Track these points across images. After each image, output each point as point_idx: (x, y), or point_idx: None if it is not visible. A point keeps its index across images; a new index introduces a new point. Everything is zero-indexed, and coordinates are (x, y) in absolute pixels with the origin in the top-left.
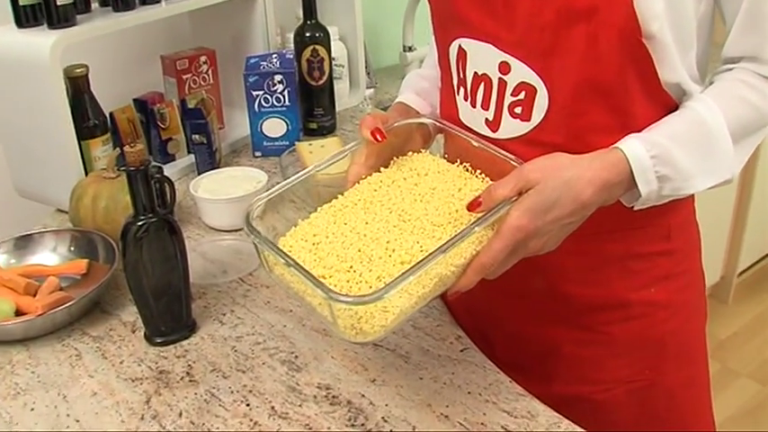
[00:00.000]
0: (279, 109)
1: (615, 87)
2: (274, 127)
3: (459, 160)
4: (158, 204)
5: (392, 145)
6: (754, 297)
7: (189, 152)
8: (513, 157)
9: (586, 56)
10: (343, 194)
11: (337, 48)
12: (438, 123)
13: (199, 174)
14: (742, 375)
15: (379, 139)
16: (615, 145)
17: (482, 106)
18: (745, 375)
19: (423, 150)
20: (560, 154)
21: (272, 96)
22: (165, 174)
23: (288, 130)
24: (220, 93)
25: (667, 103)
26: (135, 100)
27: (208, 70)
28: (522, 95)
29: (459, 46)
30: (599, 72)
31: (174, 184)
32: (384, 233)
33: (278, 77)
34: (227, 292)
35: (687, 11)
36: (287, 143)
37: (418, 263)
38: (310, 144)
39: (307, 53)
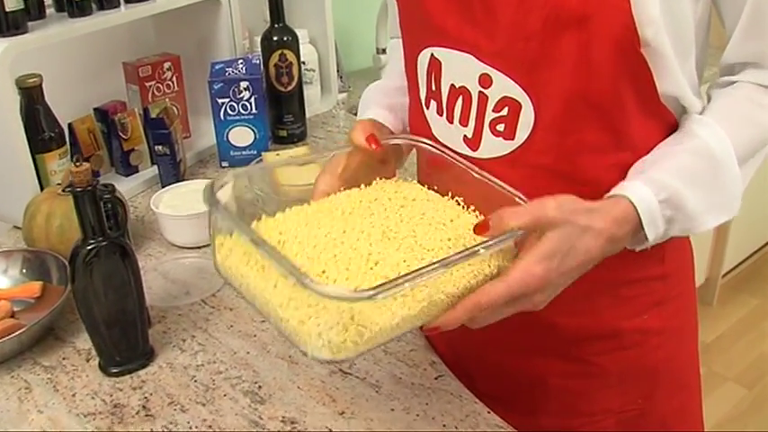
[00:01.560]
0: (246, 117)
1: (609, 102)
2: (241, 136)
3: (450, 193)
4: (109, 226)
5: (366, 163)
6: (739, 298)
7: (153, 163)
8: (520, 194)
9: (577, 68)
10: (309, 203)
11: (307, 51)
12: (436, 149)
13: (163, 186)
14: (728, 379)
15: (374, 146)
16: (622, 191)
17: (460, 122)
18: (732, 379)
19: (408, 178)
20: (574, 197)
21: (238, 104)
22: (128, 186)
23: (255, 138)
24: (186, 100)
25: (666, 119)
26: (96, 109)
27: (172, 77)
28: (504, 111)
29: (432, 55)
30: (591, 85)
31: (126, 204)
32: (365, 245)
33: (244, 84)
34: (188, 315)
35: (685, 14)
36: (255, 152)
37: (416, 270)
38: (278, 154)
39: (275, 58)
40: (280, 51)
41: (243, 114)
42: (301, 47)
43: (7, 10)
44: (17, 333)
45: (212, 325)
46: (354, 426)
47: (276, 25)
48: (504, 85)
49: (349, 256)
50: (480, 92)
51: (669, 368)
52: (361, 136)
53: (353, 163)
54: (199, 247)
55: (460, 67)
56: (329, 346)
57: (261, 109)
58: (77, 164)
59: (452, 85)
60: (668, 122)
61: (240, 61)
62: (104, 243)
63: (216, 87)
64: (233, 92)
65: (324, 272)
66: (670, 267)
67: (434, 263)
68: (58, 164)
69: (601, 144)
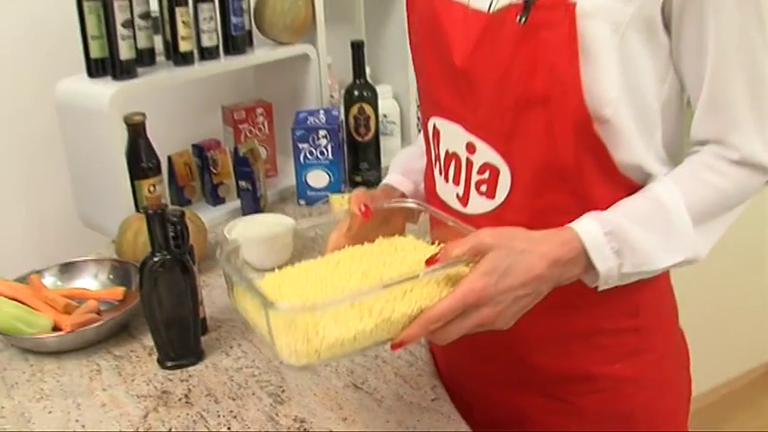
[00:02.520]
0: (322, 162)
1: (572, 171)
2: (318, 178)
3: (437, 240)
4: (176, 245)
5: (374, 222)
6: None
7: (238, 196)
8: (470, 228)
9: (544, 140)
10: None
11: (390, 105)
12: (419, 207)
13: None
14: None
15: (366, 214)
16: (570, 224)
17: (453, 182)
18: None
19: (405, 232)
20: (518, 228)
21: (316, 150)
22: (214, 215)
23: (330, 181)
24: (275, 143)
25: (628, 185)
26: (194, 145)
27: (264, 121)
28: (486, 175)
29: (434, 125)
30: (556, 156)
31: (188, 227)
32: (344, 282)
33: (322, 132)
34: (239, 327)
35: (646, 95)
36: (327, 193)
37: (352, 291)
38: (342, 196)
39: (354, 110)
40: (359, 105)
41: (320, 159)
42: (385, 101)
43: (122, 59)
44: (96, 324)
45: (256, 337)
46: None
47: (358, 81)
48: (485, 153)
49: (327, 290)
50: (467, 157)
51: (649, 417)
52: (354, 205)
53: (355, 225)
54: (261, 270)
55: (452, 135)
56: (296, 355)
57: (336, 155)
58: (151, 191)
59: (447, 150)
60: (631, 187)
61: (322, 111)
62: (168, 257)
63: (297, 134)
64: (312, 139)
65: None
66: (645, 321)
67: (374, 286)
68: (154, 190)
69: (568, 206)
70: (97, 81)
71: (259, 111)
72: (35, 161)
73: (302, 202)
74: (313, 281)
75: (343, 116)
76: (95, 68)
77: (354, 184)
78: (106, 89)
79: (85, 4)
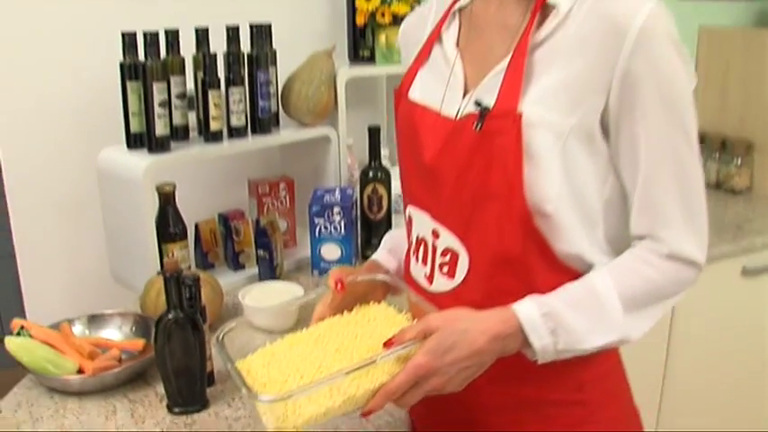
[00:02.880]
0: (336, 236)
1: (519, 258)
2: (331, 251)
3: (404, 310)
4: (190, 305)
5: (355, 293)
6: None
7: (256, 263)
8: (435, 309)
9: (495, 231)
10: (307, 327)
11: None
12: (389, 281)
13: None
14: None
15: (340, 289)
16: (511, 305)
17: (422, 263)
18: None
19: (383, 301)
20: (463, 308)
21: (330, 225)
22: (234, 279)
23: (342, 255)
24: (295, 216)
25: (570, 272)
26: (220, 214)
27: (286, 196)
28: (448, 258)
29: (409, 212)
30: (505, 245)
31: (201, 290)
32: (322, 358)
33: (336, 209)
34: None
35: (587, 194)
36: (344, 266)
37: (321, 379)
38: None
39: (368, 190)
40: (373, 185)
41: (333, 234)
42: (398, 181)
43: (157, 135)
44: (115, 370)
45: None
46: None
47: (373, 163)
48: (447, 238)
49: (307, 367)
50: (433, 242)
51: None
52: (331, 281)
53: (336, 298)
54: (270, 332)
55: (421, 222)
56: (278, 427)
57: (349, 231)
58: (170, 256)
59: (418, 234)
60: (573, 274)
61: (338, 190)
62: (181, 316)
63: (314, 210)
64: (327, 215)
65: (286, 381)
66: (590, 395)
67: (335, 372)
68: (179, 253)
69: (516, 289)
70: (134, 153)
71: (282, 186)
72: (76, 221)
73: (315, 272)
74: (295, 358)
75: (358, 195)
76: (134, 141)
77: (365, 259)
78: (142, 161)
79: (129, 84)
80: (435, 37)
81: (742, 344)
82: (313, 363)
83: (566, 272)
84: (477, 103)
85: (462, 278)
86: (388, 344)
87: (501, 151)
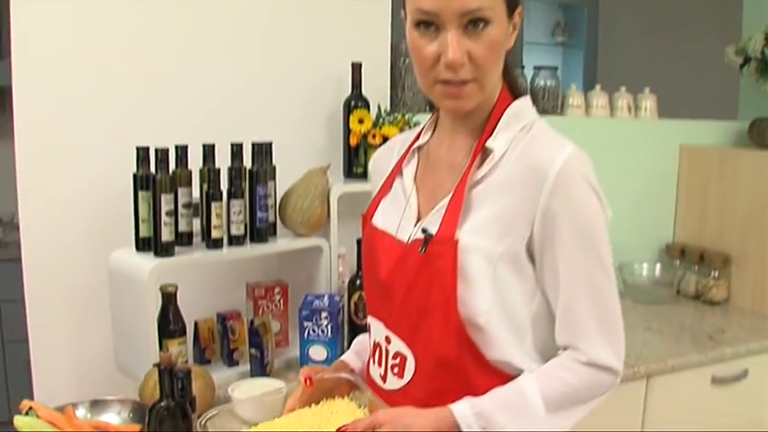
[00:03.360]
0: (322, 339)
1: (456, 363)
2: (318, 352)
3: (364, 406)
4: (181, 395)
5: (323, 388)
6: None
7: (249, 361)
8: (386, 405)
9: (436, 339)
10: (279, 417)
11: None
12: (351, 379)
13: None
14: None
15: (308, 384)
16: (450, 405)
17: (377, 364)
18: None
19: (347, 396)
20: (409, 407)
21: (318, 328)
22: (227, 374)
23: (328, 356)
24: (288, 318)
25: (502, 375)
26: (218, 314)
27: (280, 299)
28: (398, 360)
29: (369, 321)
30: (444, 351)
31: (191, 382)
32: None
33: (324, 314)
34: None
35: (516, 310)
36: (326, 366)
37: None
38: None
39: (355, 297)
40: (359, 293)
41: (320, 336)
42: None
43: (163, 240)
44: None
45: None
46: None
47: (360, 272)
48: (397, 344)
49: None
50: (385, 346)
51: None
52: (302, 377)
53: (305, 392)
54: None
55: (377, 330)
56: None
57: (335, 334)
58: (162, 352)
59: (375, 340)
60: (506, 378)
61: (326, 296)
62: (172, 404)
63: (303, 314)
64: (315, 318)
65: None
66: None
67: None
68: (177, 349)
69: (455, 389)
70: (142, 255)
71: (277, 290)
72: (86, 313)
73: None
74: None
75: (346, 300)
76: (142, 245)
77: None
78: (148, 263)
79: (140, 194)
80: (397, 171)
81: None
82: None
83: (499, 375)
84: (424, 231)
85: (410, 378)
86: (340, 430)
87: (440, 271)
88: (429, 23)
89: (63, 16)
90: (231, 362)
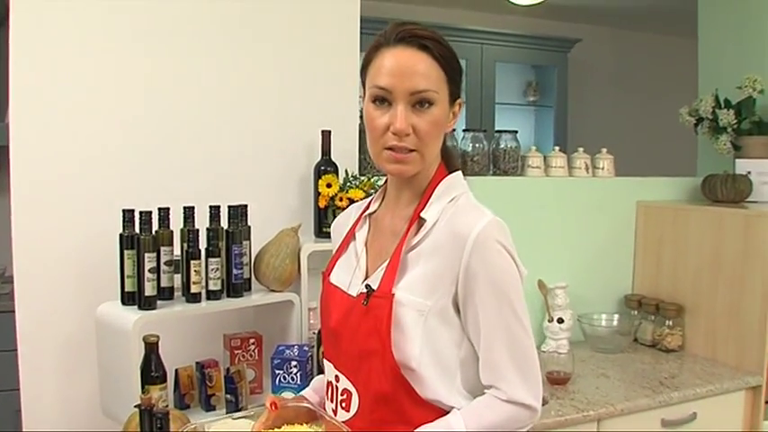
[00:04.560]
0: (292, 385)
1: (392, 399)
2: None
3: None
4: None
5: (284, 416)
6: None
7: (225, 406)
8: (344, 426)
9: (375, 378)
10: None
11: None
12: (312, 408)
13: None
14: None
15: (273, 408)
16: None
17: (330, 400)
18: None
19: (305, 424)
20: None
21: (288, 375)
22: (205, 418)
23: None
24: (262, 366)
25: (434, 410)
26: (197, 362)
27: (255, 349)
28: (345, 396)
29: (324, 363)
30: (382, 388)
31: (170, 421)
32: None
33: (294, 363)
34: None
35: (445, 355)
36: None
37: None
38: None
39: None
40: None
41: (291, 383)
42: None
43: (146, 294)
44: None
45: None
46: None
47: None
48: (344, 382)
49: None
50: (335, 384)
51: None
52: (267, 402)
53: (270, 417)
54: None
55: (329, 370)
56: None
57: (304, 382)
58: (143, 395)
59: (328, 379)
60: (437, 412)
61: (296, 347)
62: None
63: (275, 362)
64: (285, 367)
65: None
66: None
67: None
68: (159, 394)
69: (392, 421)
70: (127, 308)
71: (252, 341)
72: (75, 361)
73: None
74: None
75: (315, 350)
76: (127, 298)
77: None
78: (132, 315)
79: (125, 252)
80: (351, 235)
81: None
82: None
83: (431, 409)
84: (367, 286)
85: (355, 411)
86: None
87: (378, 320)
88: (383, 99)
89: (61, 81)
90: (209, 407)
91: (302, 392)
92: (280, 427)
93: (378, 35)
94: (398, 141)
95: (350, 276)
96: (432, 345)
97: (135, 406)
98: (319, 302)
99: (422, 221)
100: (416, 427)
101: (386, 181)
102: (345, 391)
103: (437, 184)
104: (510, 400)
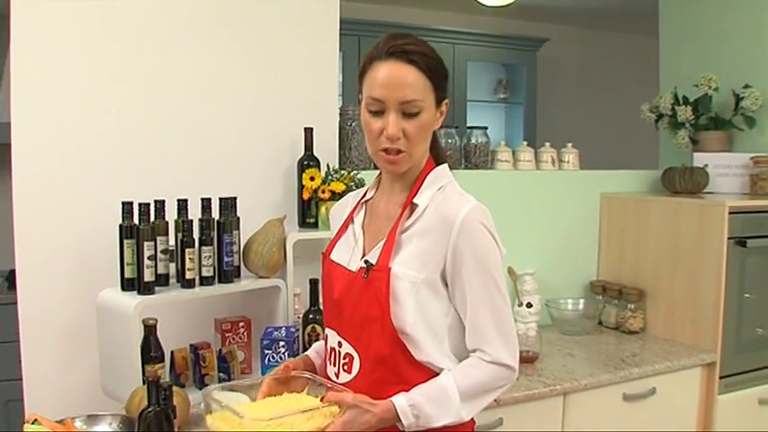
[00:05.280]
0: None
1: (391, 361)
2: None
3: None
4: (164, 403)
5: (286, 380)
6: None
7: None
8: (345, 388)
9: (375, 342)
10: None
11: None
12: (311, 378)
13: None
14: None
15: (287, 370)
16: (391, 398)
17: (332, 365)
18: None
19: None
20: (366, 397)
21: (276, 355)
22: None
23: None
24: (251, 348)
25: (427, 372)
26: (191, 344)
27: (244, 332)
28: (347, 360)
29: (326, 331)
30: (381, 351)
31: (173, 393)
32: (271, 409)
33: (282, 343)
34: None
35: (435, 322)
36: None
37: (278, 413)
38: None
39: (308, 329)
40: (312, 325)
41: (279, 363)
42: None
43: (145, 281)
44: None
45: None
46: None
47: (312, 308)
48: (346, 347)
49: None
50: (338, 350)
51: None
52: (282, 365)
53: (273, 385)
54: None
55: (332, 338)
56: None
57: None
58: (152, 366)
59: (330, 346)
60: (430, 372)
61: (284, 328)
62: (158, 409)
63: (264, 343)
64: (274, 347)
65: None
66: None
67: (294, 410)
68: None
69: (390, 381)
70: (127, 294)
71: (241, 324)
72: (76, 344)
73: None
74: (256, 407)
75: (300, 332)
76: (127, 285)
77: None
78: (132, 300)
79: (125, 242)
80: (350, 220)
81: None
82: (259, 410)
83: (424, 371)
84: (366, 262)
85: (356, 373)
86: (323, 400)
87: (377, 292)
88: (378, 108)
89: (60, 80)
90: (203, 385)
91: (306, 353)
92: (281, 394)
93: (372, 48)
94: (391, 144)
95: (349, 254)
96: (423, 313)
97: (143, 379)
98: (321, 279)
99: (414, 206)
100: (412, 387)
101: (380, 172)
102: (348, 355)
103: (427, 175)
104: (494, 361)
